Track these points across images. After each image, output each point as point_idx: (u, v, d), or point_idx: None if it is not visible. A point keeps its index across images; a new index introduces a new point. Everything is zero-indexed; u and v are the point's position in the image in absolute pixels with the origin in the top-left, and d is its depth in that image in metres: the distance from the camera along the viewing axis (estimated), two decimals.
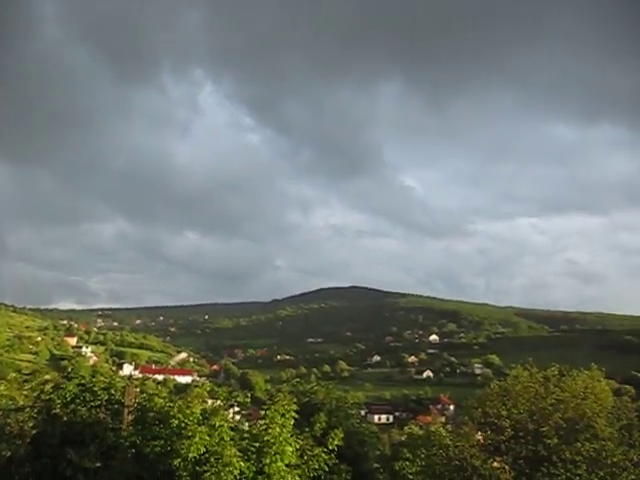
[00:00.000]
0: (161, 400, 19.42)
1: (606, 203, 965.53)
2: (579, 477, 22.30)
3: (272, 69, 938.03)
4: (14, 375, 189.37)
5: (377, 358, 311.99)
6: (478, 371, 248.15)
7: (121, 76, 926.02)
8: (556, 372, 27.90)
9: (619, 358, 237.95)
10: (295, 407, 19.09)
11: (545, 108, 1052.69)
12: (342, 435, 21.26)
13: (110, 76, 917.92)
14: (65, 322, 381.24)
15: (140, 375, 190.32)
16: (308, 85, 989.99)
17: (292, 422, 18.60)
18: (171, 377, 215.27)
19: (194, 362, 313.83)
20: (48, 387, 24.38)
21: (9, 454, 22.64)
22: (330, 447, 20.19)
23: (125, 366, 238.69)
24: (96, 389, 22.71)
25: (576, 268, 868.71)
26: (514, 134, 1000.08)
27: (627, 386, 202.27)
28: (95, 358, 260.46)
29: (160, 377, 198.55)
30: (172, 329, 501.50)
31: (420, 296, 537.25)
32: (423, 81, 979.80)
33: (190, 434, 16.97)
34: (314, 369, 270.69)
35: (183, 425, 17.51)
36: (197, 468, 16.62)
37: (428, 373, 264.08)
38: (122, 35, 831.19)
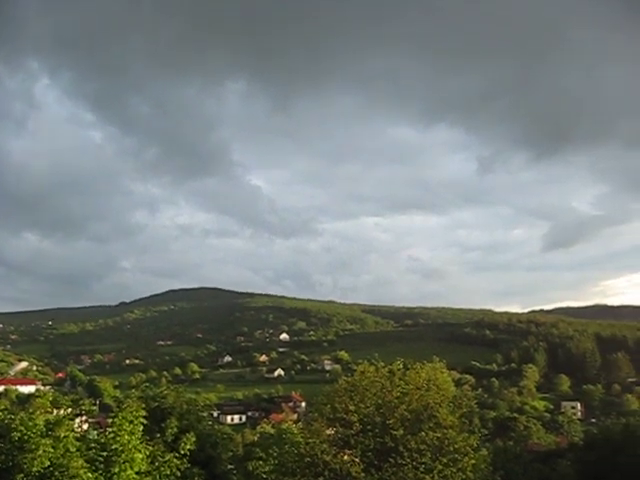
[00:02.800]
0: (1, 413, 18.53)
1: (445, 202, 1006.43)
2: (424, 465, 23.31)
3: (113, 63, 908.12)
4: None
5: (228, 358, 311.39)
6: (328, 367, 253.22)
7: None
8: (401, 366, 28.95)
9: (460, 350, 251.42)
10: (144, 413, 18.83)
11: (388, 111, 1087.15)
12: (194, 439, 21.18)
13: None
14: None
15: None
16: (152, 81, 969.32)
17: (141, 428, 18.32)
18: (12, 387, 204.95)
19: (37, 370, 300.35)
20: None
21: None
22: (182, 452, 20.09)
23: None
24: None
25: (418, 265, 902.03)
26: (358, 136, 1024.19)
27: (467, 376, 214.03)
28: None
29: (0, 388, 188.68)
30: (13, 336, 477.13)
31: (270, 295, 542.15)
32: (268, 82, 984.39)
33: (33, 447, 16.36)
34: (164, 372, 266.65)
35: (25, 438, 16.82)
36: None
37: (279, 371, 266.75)
38: None
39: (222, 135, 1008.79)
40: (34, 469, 16.00)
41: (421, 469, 23.28)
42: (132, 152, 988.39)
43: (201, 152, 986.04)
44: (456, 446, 24.55)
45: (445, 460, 23.94)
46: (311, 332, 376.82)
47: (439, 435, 24.55)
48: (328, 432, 27.33)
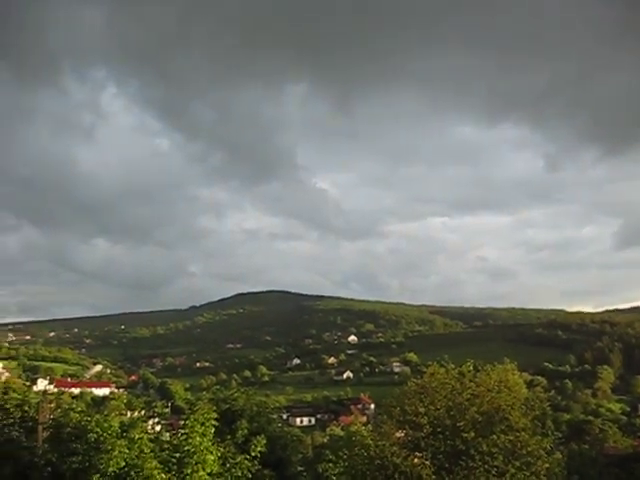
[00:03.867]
0: (77, 415, 18.97)
1: (512, 201, 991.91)
2: (496, 468, 22.95)
3: (177, 70, 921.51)
4: None
5: (297, 361, 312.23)
6: (397, 369, 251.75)
7: (21, 78, 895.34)
8: (471, 367, 28.58)
9: (531, 351, 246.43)
10: (215, 415, 19.02)
11: (451, 110, 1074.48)
12: (264, 441, 21.28)
13: (9, 78, 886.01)
14: None
15: (55, 389, 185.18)
16: (215, 87, 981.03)
17: (213, 430, 18.50)
18: (88, 390, 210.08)
19: (111, 373, 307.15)
20: None
21: None
22: (253, 453, 20.19)
23: (39, 381, 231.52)
24: (8, 407, 22.06)
25: (486, 265, 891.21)
26: (422, 135, 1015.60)
27: (539, 377, 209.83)
28: (7, 374, 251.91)
29: (76, 391, 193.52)
30: (87, 340, 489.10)
31: (337, 298, 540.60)
32: (330, 83, 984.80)
33: (109, 448, 16.68)
34: (234, 375, 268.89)
35: (101, 439, 17.17)
36: None
37: (348, 374, 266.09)
38: (21, 34, 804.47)
39: (285, 139, 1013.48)
40: (110, 469, 16.32)
41: (493, 472, 22.93)
42: (198, 158, 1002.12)
43: (265, 156, 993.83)
44: (529, 449, 24.07)
45: (518, 464, 23.54)
46: (379, 334, 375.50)
47: (511, 438, 24.10)
48: (398, 434, 27.20)
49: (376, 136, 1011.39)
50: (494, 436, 24.01)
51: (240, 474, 18.97)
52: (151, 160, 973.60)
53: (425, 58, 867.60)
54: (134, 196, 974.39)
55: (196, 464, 17.28)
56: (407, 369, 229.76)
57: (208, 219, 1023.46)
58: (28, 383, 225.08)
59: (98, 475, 16.37)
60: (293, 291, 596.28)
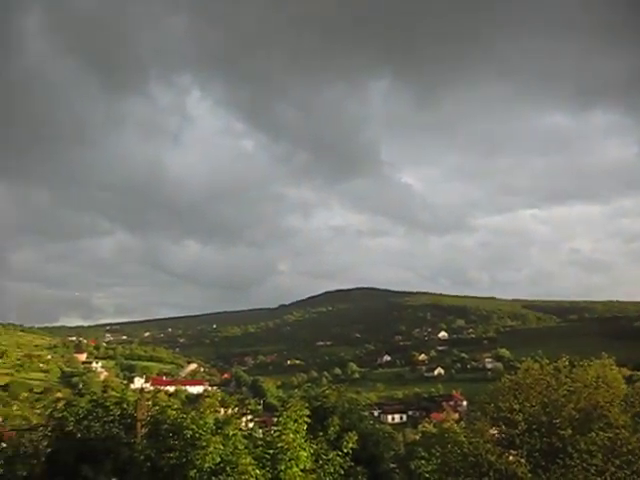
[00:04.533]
0: (174, 412, 19.37)
1: (605, 190, 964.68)
2: (595, 467, 22.26)
3: (259, 71, 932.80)
4: (26, 394, 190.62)
5: (387, 358, 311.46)
6: (489, 365, 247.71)
7: (109, 86, 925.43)
8: (567, 363, 27.91)
9: (630, 345, 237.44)
10: (307, 412, 19.10)
11: (537, 97, 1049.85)
12: (356, 437, 21.26)
13: (98, 87, 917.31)
14: (74, 339, 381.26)
15: (151, 388, 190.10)
16: (297, 87, 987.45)
17: (305, 427, 18.60)
18: (182, 388, 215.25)
19: (205, 372, 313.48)
20: (60, 405, 24.32)
21: (25, 474, 22.66)
22: (345, 450, 20.19)
23: (136, 379, 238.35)
24: (108, 404, 22.69)
25: (580, 257, 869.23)
26: (509, 126, 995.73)
27: (639, 373, 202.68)
28: (105, 373, 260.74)
29: (171, 389, 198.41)
30: (181, 340, 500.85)
31: (426, 293, 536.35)
32: (412, 76, 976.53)
33: (204, 444, 16.96)
34: (325, 372, 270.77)
35: (197, 436, 17.48)
36: (213, 478, 16.62)
37: (439, 370, 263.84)
38: (107, 44, 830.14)
39: (369, 135, 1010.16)
40: (206, 465, 16.59)
41: (592, 471, 22.21)
42: (283, 158, 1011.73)
43: (350, 153, 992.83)
44: (630, 447, 23.24)
45: (618, 462, 22.73)
46: (470, 329, 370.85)
47: (610, 435, 23.29)
48: (492, 432, 26.80)
49: (461, 128, 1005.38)
50: (592, 433, 23.30)
51: (332, 470, 19.01)
52: (237, 161, 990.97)
53: (509, 43, 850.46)
54: (222, 197, 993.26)
55: (289, 460, 17.40)
56: (499, 365, 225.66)
57: (295, 218, 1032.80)
58: (125, 381, 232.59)
59: (195, 470, 16.67)
60: (381, 287, 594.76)
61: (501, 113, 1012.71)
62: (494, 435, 26.35)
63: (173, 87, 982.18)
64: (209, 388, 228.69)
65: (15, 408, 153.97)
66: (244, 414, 30.28)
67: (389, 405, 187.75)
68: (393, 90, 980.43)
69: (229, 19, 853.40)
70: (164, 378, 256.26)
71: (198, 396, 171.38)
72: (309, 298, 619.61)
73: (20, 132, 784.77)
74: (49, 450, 22.66)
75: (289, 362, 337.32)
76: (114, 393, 24.46)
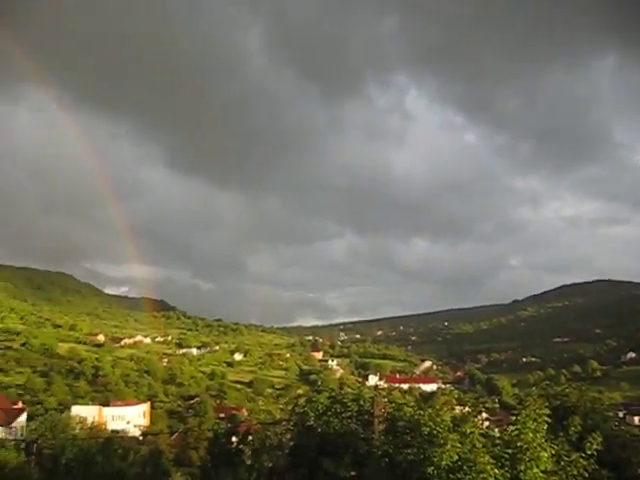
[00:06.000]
0: (410, 409, 19.52)
1: None
2: None
3: (474, 63, 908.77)
4: (269, 391, 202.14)
5: (632, 355, 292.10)
6: None
7: (327, 93, 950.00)
8: None
9: None
10: (547, 411, 18.45)
11: None
12: (600, 439, 20.19)
13: (317, 94, 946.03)
14: (310, 338, 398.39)
15: (385, 385, 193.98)
16: (515, 75, 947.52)
17: (545, 427, 17.97)
18: (416, 385, 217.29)
19: (437, 369, 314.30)
20: (301, 401, 25.45)
21: (270, 465, 23.99)
22: (588, 452, 19.24)
23: (370, 377, 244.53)
24: (346, 401, 23.33)
25: None
26: None
27: None
28: (341, 371, 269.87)
29: (405, 386, 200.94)
30: (413, 338, 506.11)
31: None
32: None
33: (442, 442, 16.91)
34: (563, 370, 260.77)
35: (434, 433, 17.45)
36: (450, 475, 16.52)
37: None
38: (323, 52, 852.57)
39: (599, 117, 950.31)
40: (443, 463, 16.51)
41: None
42: (506, 148, 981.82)
43: (578, 138, 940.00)
44: None
45: None
46: None
47: None
48: None
49: None
50: None
51: (576, 473, 18.15)
52: (460, 155, 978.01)
53: None
54: (447, 193, 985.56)
55: (529, 461, 16.88)
56: None
57: (524, 210, 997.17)
58: (360, 379, 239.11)
59: (432, 468, 16.65)
60: (622, 280, 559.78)
61: None
62: None
63: (390, 87, 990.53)
64: (443, 386, 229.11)
65: (261, 403, 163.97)
66: (480, 412, 29.92)
67: (636, 406, 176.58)
68: (621, 67, 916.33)
69: (438, 14, 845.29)
70: (397, 376, 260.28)
71: (432, 394, 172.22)
72: (543, 293, 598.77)
73: (248, 144, 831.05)
74: (292, 443, 23.78)
75: (524, 359, 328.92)
76: (350, 390, 25.14)
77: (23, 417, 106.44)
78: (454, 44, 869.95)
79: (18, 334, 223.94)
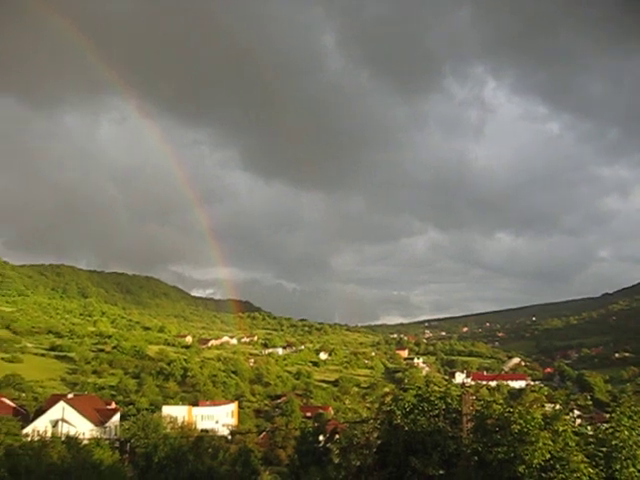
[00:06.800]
0: (499, 406, 19.24)
1: None
2: None
3: (554, 50, 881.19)
4: (355, 389, 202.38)
5: None
6: None
7: (406, 88, 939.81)
8: None
9: None
10: None
11: None
12: None
13: (395, 90, 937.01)
14: (395, 336, 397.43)
15: (472, 382, 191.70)
16: (599, 58, 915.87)
17: None
18: (504, 382, 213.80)
19: (526, 366, 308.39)
20: (388, 399, 25.38)
21: (358, 463, 23.97)
22: None
23: (457, 374, 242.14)
24: (433, 399, 23.13)
25: None
26: None
27: None
28: (427, 368, 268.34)
29: (493, 383, 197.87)
30: (499, 334, 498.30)
31: None
32: None
33: (533, 440, 16.61)
34: None
35: (525, 431, 17.16)
36: (542, 474, 16.21)
37: None
38: (399, 48, 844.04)
39: None
40: (535, 461, 16.23)
41: None
42: (592, 136, 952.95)
43: None
44: None
45: None
46: None
47: None
48: None
49: None
50: None
51: None
52: (543, 146, 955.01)
53: None
54: (532, 185, 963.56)
55: (625, 459, 16.42)
56: None
57: (613, 199, 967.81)
58: (447, 376, 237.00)
59: (523, 466, 16.38)
60: None
61: None
62: None
63: (468, 80, 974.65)
64: (532, 382, 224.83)
65: (347, 402, 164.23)
66: (572, 409, 29.23)
67: None
68: None
69: (511, 3, 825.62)
70: (484, 373, 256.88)
71: (521, 391, 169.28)
72: (636, 285, 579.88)
73: (328, 143, 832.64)
74: (379, 442, 23.71)
75: (617, 355, 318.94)
76: (437, 388, 24.87)
77: (116, 417, 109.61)
78: (531, 31, 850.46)
79: (110, 337, 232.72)
